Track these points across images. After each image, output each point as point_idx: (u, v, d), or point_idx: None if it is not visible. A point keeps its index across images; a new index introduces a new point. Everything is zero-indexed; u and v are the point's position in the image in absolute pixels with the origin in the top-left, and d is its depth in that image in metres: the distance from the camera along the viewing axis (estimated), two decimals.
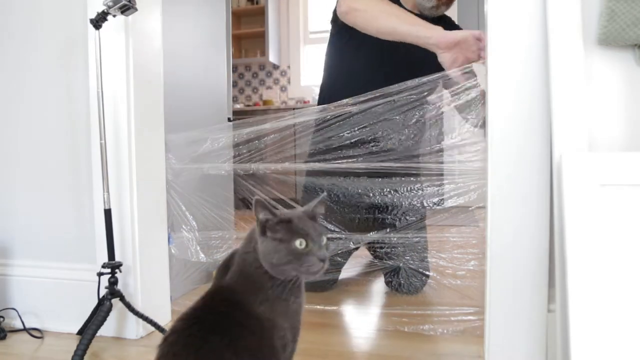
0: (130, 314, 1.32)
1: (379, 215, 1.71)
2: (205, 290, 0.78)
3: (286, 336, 0.75)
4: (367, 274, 2.00)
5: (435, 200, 1.59)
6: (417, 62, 1.48)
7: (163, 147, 1.53)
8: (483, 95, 1.31)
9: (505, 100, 1.05)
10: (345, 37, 1.77)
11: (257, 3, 4.78)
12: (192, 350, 0.66)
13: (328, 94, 1.78)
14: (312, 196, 1.70)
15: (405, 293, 1.71)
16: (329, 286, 1.80)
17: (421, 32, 1.46)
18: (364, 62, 1.55)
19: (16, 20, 1.49)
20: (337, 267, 1.80)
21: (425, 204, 1.62)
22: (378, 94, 1.45)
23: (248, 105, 4.88)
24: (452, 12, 3.97)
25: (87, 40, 1.38)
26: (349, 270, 1.91)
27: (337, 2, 1.72)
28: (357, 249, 1.90)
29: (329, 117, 1.55)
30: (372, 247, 1.93)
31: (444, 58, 1.43)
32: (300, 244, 0.72)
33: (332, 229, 1.66)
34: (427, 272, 1.68)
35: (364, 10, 1.59)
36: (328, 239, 0.77)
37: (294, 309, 0.77)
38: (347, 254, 1.80)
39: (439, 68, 1.44)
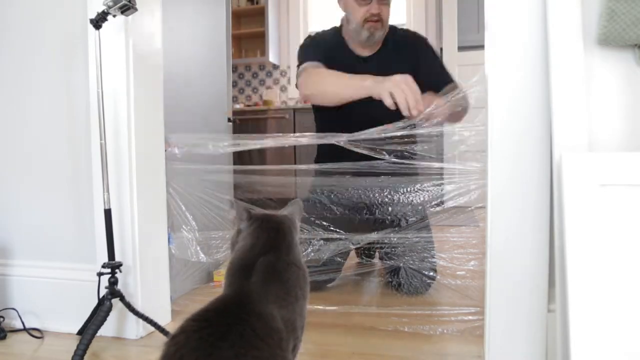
0: (130, 314, 1.32)
1: (379, 215, 1.72)
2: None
3: (299, 336, 0.79)
4: (367, 274, 1.99)
5: (436, 200, 1.60)
6: (376, 116, 1.53)
7: (163, 147, 1.53)
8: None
9: (505, 100, 1.05)
10: (314, 109, 2.05)
11: (257, 3, 4.77)
12: (200, 355, 0.64)
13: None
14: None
15: (413, 293, 1.71)
16: (323, 285, 1.81)
17: (357, 83, 1.62)
18: (327, 129, 1.67)
19: (16, 21, 1.49)
20: (337, 267, 1.80)
21: (425, 205, 1.63)
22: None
23: (248, 105, 4.87)
24: (452, 13, 3.98)
25: (87, 40, 1.38)
26: (348, 270, 1.91)
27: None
28: (358, 249, 1.91)
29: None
30: (370, 248, 1.93)
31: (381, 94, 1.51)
32: None
33: (332, 229, 1.66)
34: (431, 274, 1.68)
35: (313, 95, 1.84)
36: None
37: (306, 309, 0.82)
38: (347, 254, 1.80)
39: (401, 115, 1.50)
